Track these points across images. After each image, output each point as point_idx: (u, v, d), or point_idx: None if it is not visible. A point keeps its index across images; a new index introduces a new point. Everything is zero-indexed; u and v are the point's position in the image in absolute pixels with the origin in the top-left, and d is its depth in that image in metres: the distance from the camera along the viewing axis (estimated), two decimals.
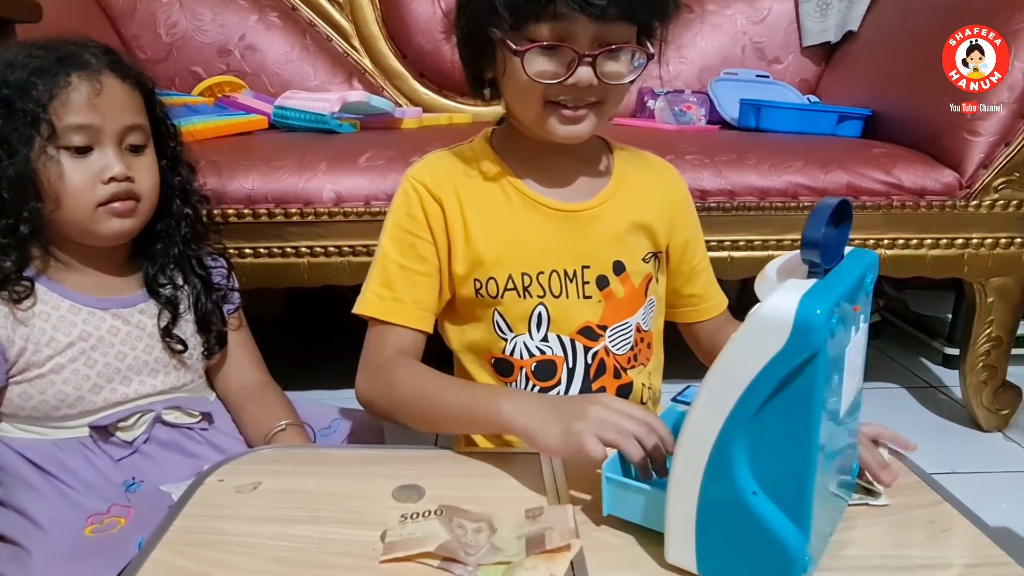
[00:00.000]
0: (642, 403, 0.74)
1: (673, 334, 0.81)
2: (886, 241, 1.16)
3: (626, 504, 0.50)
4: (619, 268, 0.71)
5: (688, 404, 0.45)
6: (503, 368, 0.72)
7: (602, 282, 0.70)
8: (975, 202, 1.16)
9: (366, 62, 1.70)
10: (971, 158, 1.14)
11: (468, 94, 0.81)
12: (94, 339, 0.74)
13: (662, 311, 0.77)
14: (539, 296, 0.70)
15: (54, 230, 0.73)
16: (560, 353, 0.71)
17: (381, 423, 0.92)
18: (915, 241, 1.17)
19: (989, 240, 1.18)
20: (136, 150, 0.75)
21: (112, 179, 0.71)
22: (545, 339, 0.70)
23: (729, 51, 1.69)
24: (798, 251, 0.44)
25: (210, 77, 1.51)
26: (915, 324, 1.69)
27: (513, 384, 0.72)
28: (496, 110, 0.74)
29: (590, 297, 0.70)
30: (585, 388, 0.71)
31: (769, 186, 1.13)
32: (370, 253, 1.08)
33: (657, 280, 0.75)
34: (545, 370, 0.71)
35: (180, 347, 0.79)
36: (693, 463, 0.44)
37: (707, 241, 1.11)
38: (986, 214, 1.16)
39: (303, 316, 1.83)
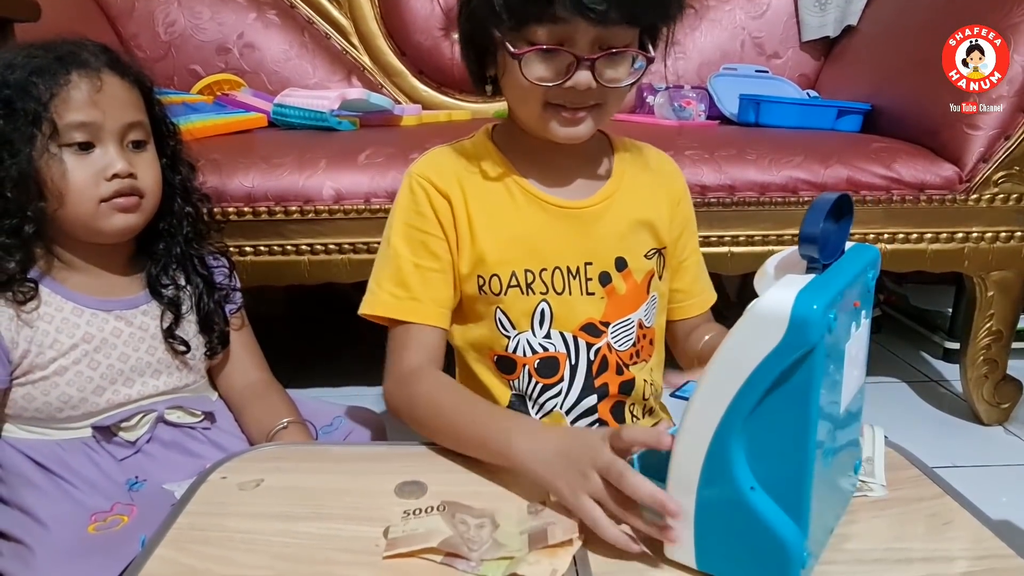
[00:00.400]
0: (644, 399, 0.75)
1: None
2: (886, 235, 1.16)
3: None
4: (621, 264, 0.71)
5: (687, 399, 0.45)
6: (505, 366, 0.72)
7: (604, 278, 0.71)
8: (975, 196, 1.16)
9: (365, 59, 1.70)
10: (971, 152, 1.14)
11: (467, 91, 0.82)
12: (97, 341, 0.74)
13: (664, 308, 0.77)
14: (542, 293, 0.70)
15: (58, 229, 0.73)
16: (563, 350, 0.71)
17: (383, 420, 0.92)
18: (915, 235, 1.17)
19: (989, 234, 1.18)
20: (138, 147, 0.75)
21: (115, 176, 0.71)
22: (548, 336, 0.70)
23: (728, 46, 1.68)
24: (796, 247, 0.44)
25: (209, 75, 1.51)
26: (915, 318, 1.69)
27: (516, 381, 0.72)
28: (496, 106, 0.75)
29: (593, 294, 0.70)
30: (588, 384, 0.71)
31: (769, 181, 1.13)
32: (371, 250, 1.09)
33: (660, 277, 0.75)
34: (548, 367, 0.71)
35: (183, 348, 0.79)
36: (691, 458, 0.44)
37: (707, 236, 1.13)
38: (986, 208, 1.16)
39: (304, 314, 1.83)
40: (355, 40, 1.70)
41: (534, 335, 0.70)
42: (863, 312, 0.46)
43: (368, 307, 0.70)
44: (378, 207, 1.06)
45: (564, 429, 0.56)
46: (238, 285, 0.88)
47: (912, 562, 0.48)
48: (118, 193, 0.72)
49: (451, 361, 0.77)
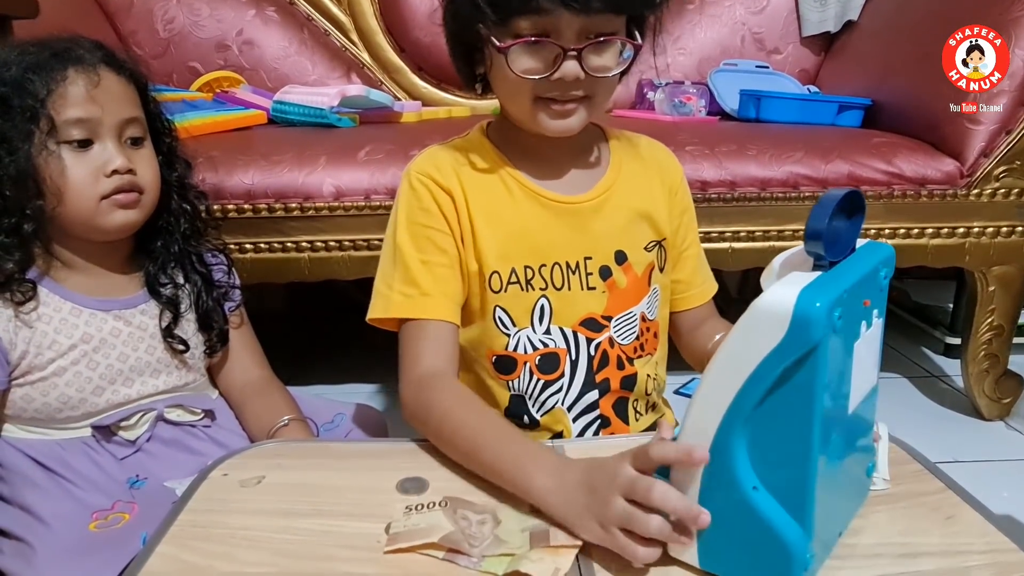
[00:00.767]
0: (647, 394, 0.74)
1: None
2: (887, 231, 1.16)
3: None
4: (621, 258, 0.71)
5: (691, 396, 0.45)
6: (505, 366, 0.71)
7: (605, 272, 0.70)
8: (976, 191, 1.15)
9: (364, 56, 1.70)
10: (972, 147, 1.14)
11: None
12: (96, 341, 0.74)
13: (667, 300, 0.77)
14: (541, 289, 0.69)
15: (56, 228, 0.73)
16: (563, 345, 0.71)
17: (384, 417, 0.92)
18: (916, 230, 1.17)
19: (990, 229, 1.18)
20: (135, 143, 0.75)
21: (115, 172, 0.71)
22: (548, 332, 0.70)
23: (728, 42, 1.68)
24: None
25: (208, 72, 1.51)
26: (916, 313, 1.69)
27: (515, 381, 0.71)
28: (495, 103, 0.74)
29: (594, 288, 0.70)
30: (589, 379, 0.71)
31: (770, 176, 1.13)
32: (371, 247, 1.08)
33: (661, 269, 0.74)
34: (548, 363, 0.71)
35: (182, 347, 0.79)
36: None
37: (708, 232, 1.12)
38: (987, 203, 1.16)
39: (304, 311, 1.83)
40: (354, 37, 1.70)
41: (534, 331, 0.70)
42: (875, 311, 0.46)
43: (379, 311, 0.68)
44: (378, 204, 1.06)
45: (586, 462, 0.51)
46: (237, 282, 0.88)
47: (916, 556, 0.48)
48: (118, 189, 0.72)
49: None
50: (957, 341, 1.43)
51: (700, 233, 0.81)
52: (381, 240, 0.73)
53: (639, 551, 0.45)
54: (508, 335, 0.70)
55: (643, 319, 0.73)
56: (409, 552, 0.48)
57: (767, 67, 1.61)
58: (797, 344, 0.39)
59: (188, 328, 0.81)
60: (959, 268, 1.23)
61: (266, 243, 1.08)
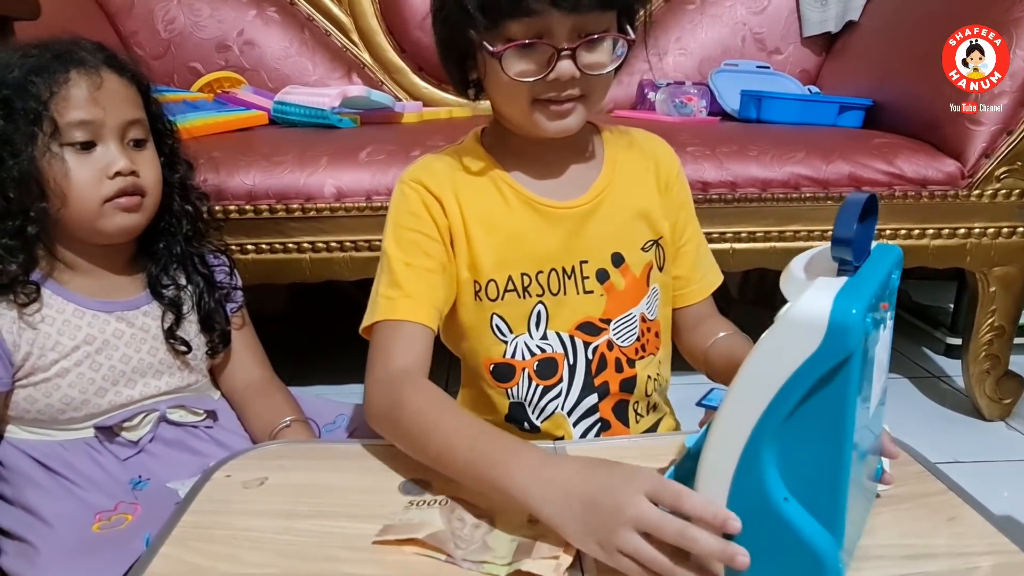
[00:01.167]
0: (647, 395, 0.74)
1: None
2: (888, 231, 1.16)
3: None
4: (618, 260, 0.71)
5: (713, 407, 0.44)
6: (503, 374, 0.71)
7: (602, 275, 0.70)
8: (977, 191, 1.15)
9: (365, 56, 1.70)
10: (973, 147, 1.14)
11: None
12: (99, 342, 0.74)
13: (668, 299, 0.76)
14: (538, 295, 0.69)
15: (60, 230, 0.73)
16: (560, 350, 0.70)
17: None
18: (917, 231, 1.17)
19: (991, 229, 1.18)
20: (138, 145, 0.75)
21: (118, 174, 0.71)
22: (544, 337, 0.70)
23: (729, 42, 1.68)
24: (822, 246, 0.43)
25: (209, 73, 1.51)
26: (917, 314, 1.69)
27: (514, 388, 0.71)
28: None
29: (591, 292, 0.70)
30: (588, 383, 0.71)
31: (771, 177, 1.13)
32: (372, 248, 1.09)
33: (660, 268, 0.74)
34: (547, 368, 0.70)
35: (184, 348, 0.79)
36: (721, 470, 0.43)
37: (709, 233, 1.12)
38: (988, 203, 1.16)
39: (305, 312, 1.83)
40: (355, 37, 1.70)
41: (531, 337, 0.70)
42: (888, 313, 0.45)
43: (366, 319, 0.66)
44: (379, 205, 1.06)
45: (581, 466, 0.48)
46: (239, 283, 0.88)
47: (917, 559, 0.48)
48: (121, 192, 0.72)
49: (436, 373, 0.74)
50: (958, 341, 1.43)
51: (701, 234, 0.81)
52: (382, 241, 0.72)
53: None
54: (505, 342, 0.70)
55: (643, 320, 0.73)
56: (396, 545, 0.48)
57: (768, 67, 1.61)
58: (833, 352, 0.38)
59: (190, 329, 0.81)
60: (960, 269, 1.23)
61: (267, 244, 1.08)
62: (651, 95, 1.56)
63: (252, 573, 0.47)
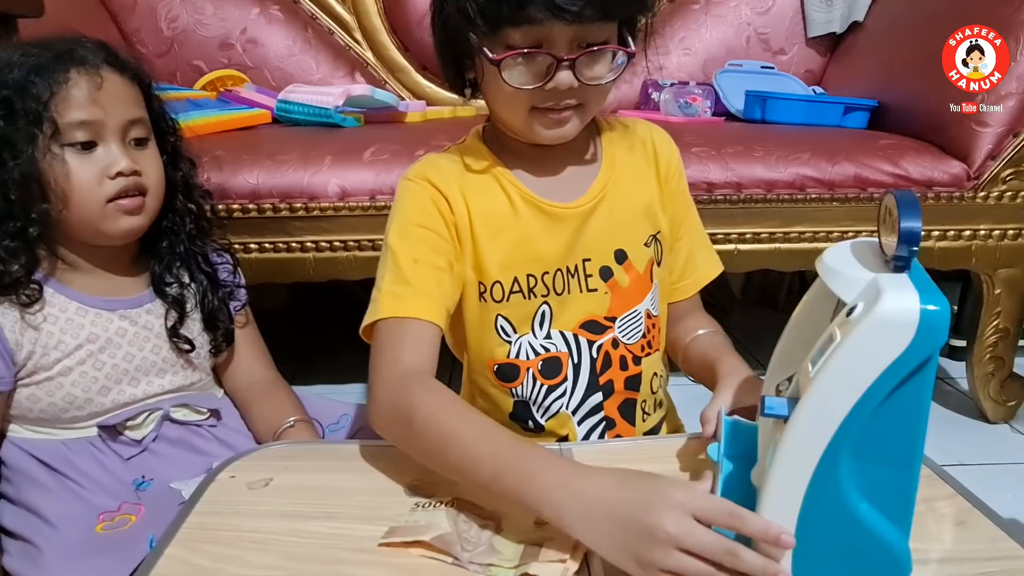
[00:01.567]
0: (652, 392, 0.74)
1: None
2: None
3: None
4: (621, 257, 0.70)
5: (781, 416, 0.42)
6: (507, 374, 0.70)
7: (606, 273, 0.70)
8: (983, 193, 1.15)
9: (368, 55, 1.70)
10: (979, 149, 1.13)
11: None
12: (102, 341, 0.74)
13: (665, 293, 0.76)
14: (543, 296, 0.69)
15: (62, 231, 0.72)
16: (564, 349, 0.70)
17: None
18: (922, 233, 1.17)
19: (997, 231, 1.17)
20: (140, 144, 0.75)
21: (119, 173, 0.71)
22: (548, 336, 0.70)
23: (734, 42, 1.68)
24: (852, 241, 0.44)
25: (212, 71, 1.50)
26: None
27: (520, 387, 0.70)
28: None
29: (595, 290, 0.70)
30: (592, 382, 0.71)
31: (776, 178, 1.12)
32: (376, 247, 1.08)
33: (659, 263, 0.74)
34: (551, 367, 0.70)
35: (187, 347, 0.79)
36: (794, 479, 0.42)
37: (713, 234, 1.12)
38: (994, 205, 1.16)
39: (309, 311, 1.83)
40: (358, 36, 1.69)
41: (535, 336, 0.70)
42: None
43: (367, 318, 0.63)
44: (383, 204, 1.06)
45: (613, 480, 0.46)
46: (242, 282, 0.88)
47: (927, 563, 0.48)
48: (123, 191, 0.72)
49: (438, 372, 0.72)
50: (962, 343, 1.43)
51: (706, 235, 0.80)
52: (384, 238, 0.72)
53: None
54: (509, 343, 0.70)
55: (648, 316, 0.72)
56: (402, 547, 0.48)
57: (772, 68, 1.60)
58: (920, 351, 0.38)
59: (194, 328, 0.81)
60: (965, 270, 1.23)
61: (271, 243, 1.08)
62: (655, 95, 1.55)
63: (258, 575, 0.47)
